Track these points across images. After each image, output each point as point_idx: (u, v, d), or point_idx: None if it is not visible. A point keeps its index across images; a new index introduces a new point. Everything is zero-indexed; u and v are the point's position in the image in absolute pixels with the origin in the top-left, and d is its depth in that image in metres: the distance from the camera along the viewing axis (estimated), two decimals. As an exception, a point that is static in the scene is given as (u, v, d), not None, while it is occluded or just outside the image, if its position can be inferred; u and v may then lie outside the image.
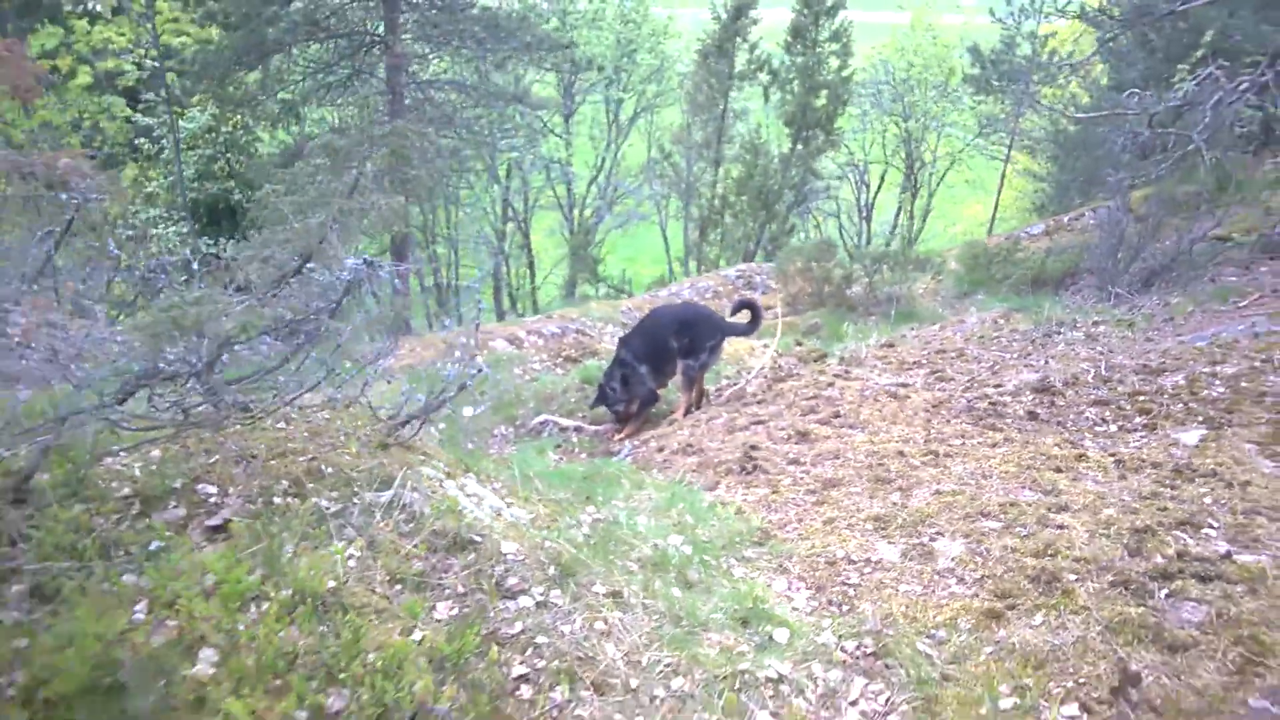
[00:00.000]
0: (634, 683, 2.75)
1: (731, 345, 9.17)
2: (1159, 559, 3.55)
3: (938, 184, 27.22)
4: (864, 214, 28.29)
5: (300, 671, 2.29)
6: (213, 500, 3.06)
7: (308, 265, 2.98)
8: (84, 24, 19.18)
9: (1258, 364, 6.65)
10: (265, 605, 2.48)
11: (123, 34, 19.27)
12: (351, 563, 2.77)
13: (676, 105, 29.32)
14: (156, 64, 15.64)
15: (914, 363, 8.37)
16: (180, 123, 14.84)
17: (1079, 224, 16.65)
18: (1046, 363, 7.73)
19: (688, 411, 7.81)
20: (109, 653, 2.27)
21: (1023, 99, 16.74)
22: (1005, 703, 2.81)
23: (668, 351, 7.69)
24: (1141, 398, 6.30)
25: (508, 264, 28.43)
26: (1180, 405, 6.06)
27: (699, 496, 4.55)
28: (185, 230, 13.74)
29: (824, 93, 19.71)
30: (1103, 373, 7.04)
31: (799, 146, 19.67)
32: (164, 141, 16.26)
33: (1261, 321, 8.25)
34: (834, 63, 19.68)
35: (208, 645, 2.37)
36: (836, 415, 6.41)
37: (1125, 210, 12.52)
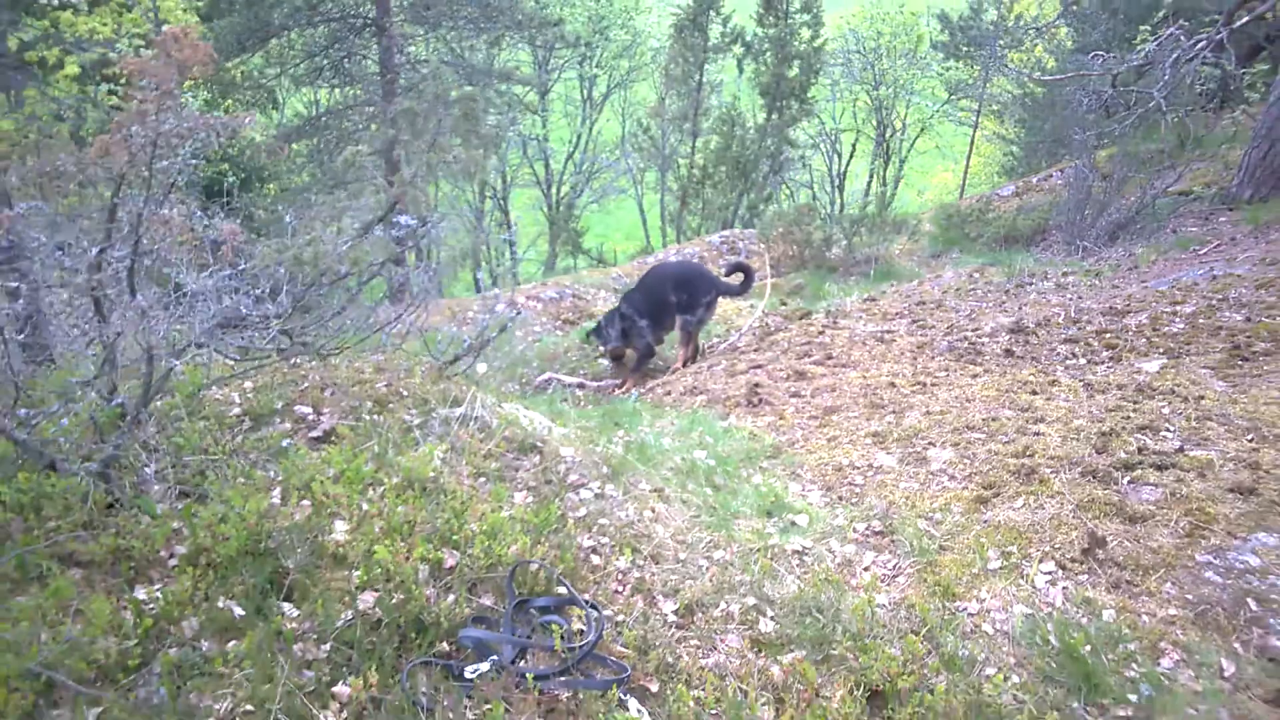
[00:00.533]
0: (682, 555, 3.25)
1: (720, 306, 9.65)
2: (1122, 454, 4.11)
3: (909, 150, 27.83)
4: (837, 183, 28.81)
5: (419, 535, 2.76)
6: (310, 418, 3.50)
7: (394, 214, 3.40)
8: (68, 15, 19.09)
9: (1214, 303, 7.25)
10: (381, 488, 2.94)
11: (105, 24, 19.15)
12: (439, 461, 3.24)
13: (649, 81, 29.60)
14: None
15: (896, 314, 8.91)
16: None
17: (1048, 184, 17.25)
18: (1020, 309, 8.31)
19: (686, 363, 8.30)
20: (260, 525, 2.73)
21: (990, 63, 17.28)
22: (994, 564, 3.35)
23: (667, 306, 8.17)
24: (1108, 335, 6.87)
25: (487, 241, 28.68)
26: (1143, 340, 6.64)
27: (714, 423, 5.04)
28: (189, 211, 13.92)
29: (797, 63, 20.16)
30: (1072, 315, 7.62)
31: (774, 116, 20.13)
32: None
33: (1220, 265, 8.89)
34: (805, 33, 20.11)
35: (339, 518, 2.84)
36: (829, 357, 6.94)
37: (1091, 168, 13.15)
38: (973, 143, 26.63)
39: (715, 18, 20.79)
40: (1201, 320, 6.88)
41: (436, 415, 3.54)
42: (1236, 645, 2.93)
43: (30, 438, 2.76)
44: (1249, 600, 3.09)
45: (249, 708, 2.35)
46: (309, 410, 3.50)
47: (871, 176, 26.23)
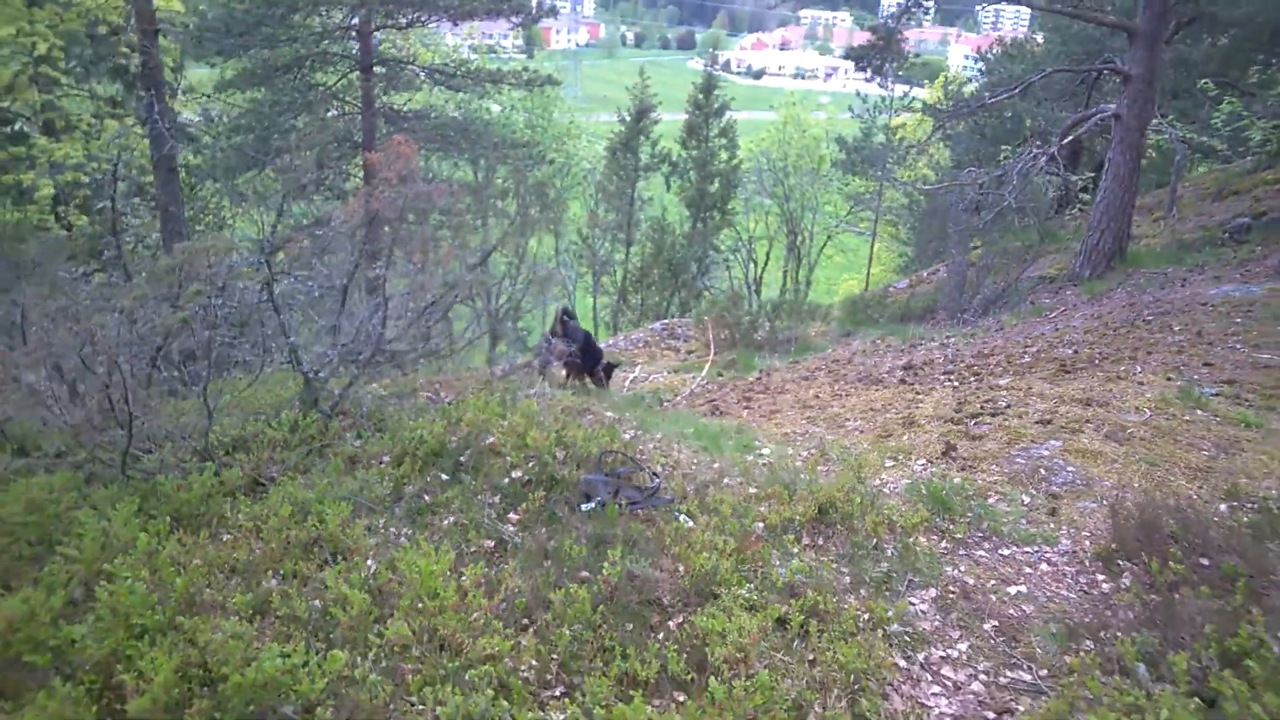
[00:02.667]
0: (691, 467, 5.07)
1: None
2: (970, 412, 6.15)
3: (817, 256, 31.10)
4: (754, 286, 31.76)
5: (542, 444, 4.53)
6: (431, 396, 5.26)
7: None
8: (44, 141, 20.44)
9: (1054, 344, 9.58)
10: (509, 419, 4.72)
11: (76, 150, 20.03)
12: (536, 408, 5.03)
13: (580, 199, 32.43)
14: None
15: (816, 368, 11.05)
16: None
17: (935, 277, 20.14)
18: (911, 357, 10.53)
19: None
20: (440, 438, 4.46)
21: (882, 177, 20.41)
22: (888, 463, 5.28)
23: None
24: (975, 367, 9.06)
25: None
26: (1000, 368, 8.85)
27: (694, 419, 6.92)
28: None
29: (717, 180, 23.08)
30: (949, 358, 9.86)
31: (699, 225, 22.84)
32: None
33: (1061, 322, 11.38)
34: (724, 154, 23.12)
35: (487, 432, 4.59)
36: (766, 390, 8.94)
37: (966, 260, 15.93)
38: (873, 248, 30.04)
39: (645, 141, 23.74)
40: (1043, 355, 9.16)
41: (519, 392, 5.34)
42: (1031, 490, 4.90)
43: (314, 387, 4.48)
44: (1039, 469, 5.08)
45: (464, 521, 4.05)
46: (429, 393, 5.27)
47: (785, 277, 29.20)
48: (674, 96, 27.30)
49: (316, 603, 3.29)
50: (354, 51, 14.34)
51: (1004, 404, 6.34)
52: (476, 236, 5.42)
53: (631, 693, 2.94)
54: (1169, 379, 7.19)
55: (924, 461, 5.27)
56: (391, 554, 3.58)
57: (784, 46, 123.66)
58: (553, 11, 15.50)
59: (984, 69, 24.89)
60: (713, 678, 2.97)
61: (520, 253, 7.30)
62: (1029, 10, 17.27)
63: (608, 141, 24.99)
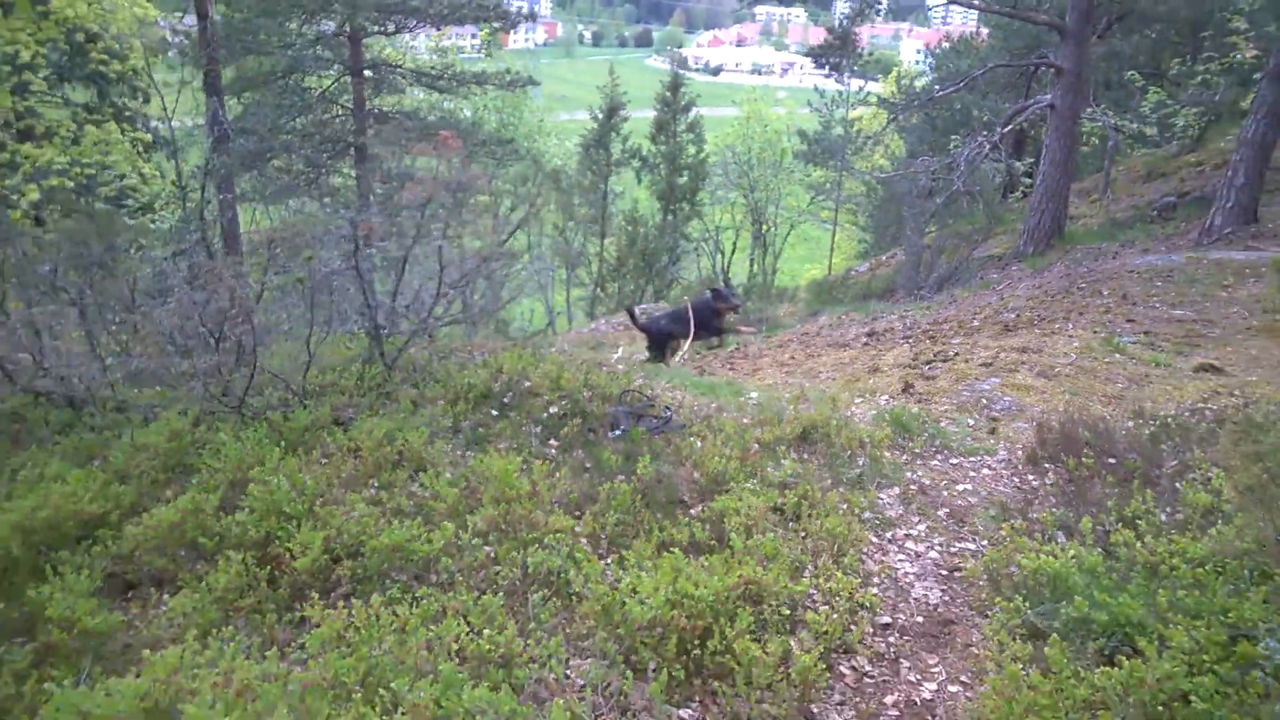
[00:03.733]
0: (694, 407, 6.00)
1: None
2: (925, 359, 7.17)
3: (782, 245, 32.27)
4: (723, 275, 32.82)
5: (573, 385, 5.42)
6: (469, 353, 6.13)
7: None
8: (28, 147, 20.65)
9: (999, 311, 10.66)
10: (542, 367, 5.60)
11: (61, 156, 20.58)
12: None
13: (549, 196, 33.26)
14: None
15: (787, 340, 12.05)
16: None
17: (893, 261, 21.33)
18: (873, 326, 11.59)
19: None
20: (486, 383, 5.34)
21: (841, 167, 21.56)
22: (858, 399, 6.26)
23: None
24: (930, 332, 10.11)
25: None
26: (952, 331, 9.89)
27: (689, 375, 7.86)
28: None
29: (686, 173, 24.08)
30: (908, 326, 10.91)
31: (669, 217, 23.83)
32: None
33: (1007, 293, 12.50)
34: (691, 149, 24.13)
35: (525, 377, 5.48)
36: (744, 358, 9.91)
37: (921, 242, 17.09)
38: (834, 237, 31.28)
39: (616, 137, 24.69)
40: (989, 320, 10.24)
41: (546, 350, 6.24)
42: (975, 415, 5.92)
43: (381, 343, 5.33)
44: (982, 400, 6.10)
45: (515, 445, 4.94)
46: (471, 351, 6.15)
47: (752, 265, 30.30)
48: (634, 94, 28.22)
49: (411, 504, 4.16)
50: (345, 56, 15.08)
51: (953, 354, 7.38)
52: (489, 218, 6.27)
53: (667, 552, 3.85)
54: (1095, 333, 8.30)
55: (887, 397, 6.26)
56: (467, 465, 4.46)
57: (740, 43, 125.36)
58: (532, 16, 16.29)
59: (933, 64, 26.19)
60: (732, 536, 3.90)
61: (541, 230, 8.19)
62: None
63: (579, 138, 25.89)
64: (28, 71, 19.37)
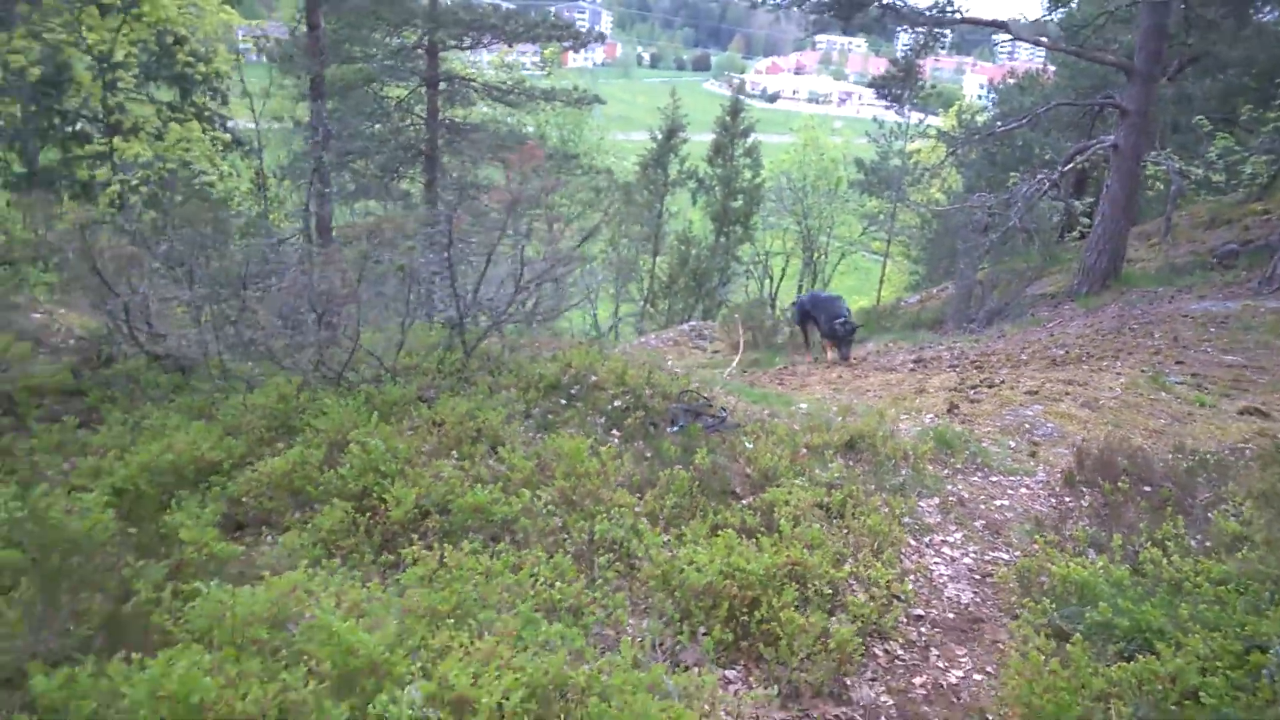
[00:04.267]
0: (747, 411, 6.34)
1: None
2: (971, 385, 7.42)
3: (831, 273, 32.47)
4: (771, 299, 33.08)
5: (637, 382, 5.81)
6: (537, 348, 6.56)
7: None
8: (119, 140, 21.85)
9: (1049, 347, 10.83)
10: (607, 364, 6.01)
11: (145, 150, 21.70)
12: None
13: (620, 210, 33.86)
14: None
15: (834, 361, 12.32)
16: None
17: (944, 295, 21.45)
18: (920, 354, 11.81)
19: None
20: (555, 375, 5.76)
21: (897, 198, 21.79)
22: (903, 416, 6.55)
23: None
24: (978, 362, 10.32)
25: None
26: (1000, 364, 10.10)
27: (740, 386, 8.21)
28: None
29: (740, 197, 24.52)
30: (955, 356, 11.13)
31: (722, 239, 24.26)
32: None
33: (1057, 330, 12.63)
34: (748, 174, 24.58)
35: (592, 372, 5.88)
36: (793, 375, 10.22)
37: (974, 276, 17.23)
38: (885, 268, 31.39)
39: (674, 158, 25.26)
40: (1038, 354, 10.42)
41: (608, 349, 6.64)
42: (1017, 438, 6.17)
43: (461, 332, 5.79)
44: (1024, 424, 6.35)
45: (583, 431, 5.33)
46: (537, 347, 6.58)
47: (800, 292, 30.57)
48: (691, 117, 28.72)
49: (490, 473, 4.58)
50: (422, 69, 15.87)
51: (999, 381, 7.62)
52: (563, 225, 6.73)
53: (720, 532, 4.20)
54: (1143, 371, 8.46)
55: (932, 416, 6.55)
56: (539, 444, 4.87)
57: (799, 71, 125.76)
58: (601, 37, 16.95)
59: (996, 99, 26.25)
60: (781, 523, 4.25)
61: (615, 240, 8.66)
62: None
63: (637, 158, 26.55)
64: (120, 70, 20.57)
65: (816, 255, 30.10)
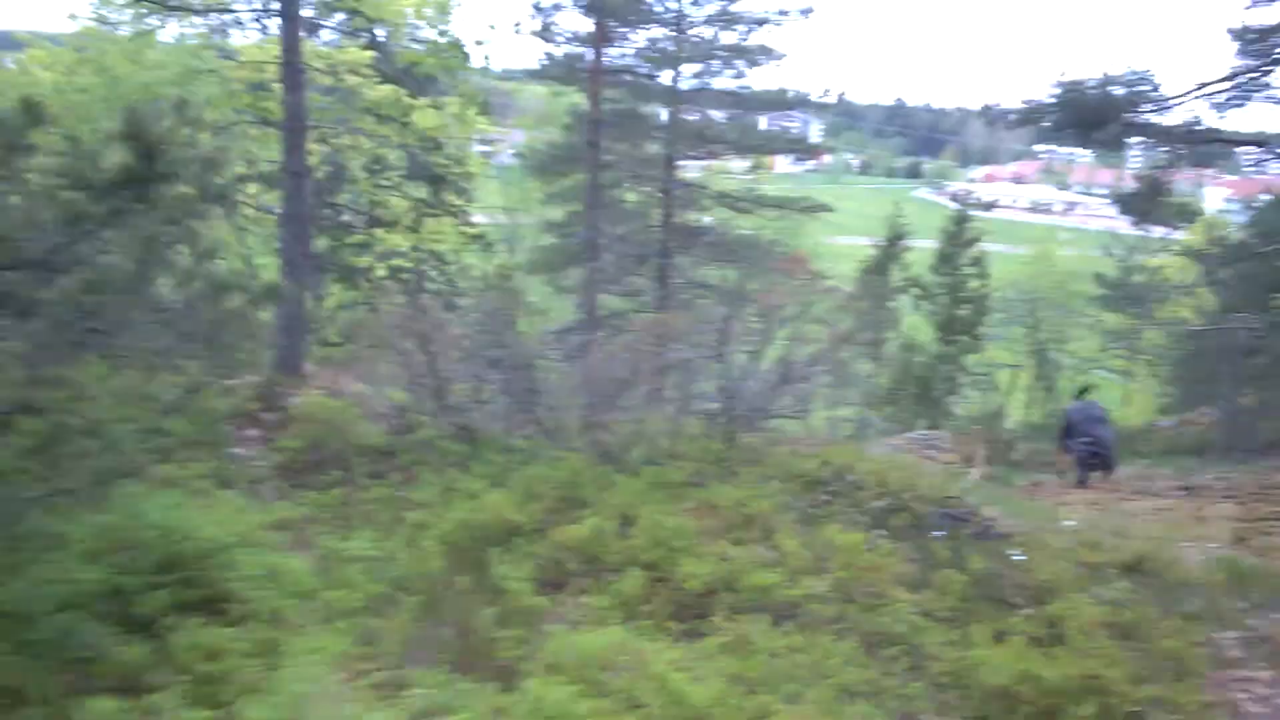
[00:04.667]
0: (1012, 524, 6.17)
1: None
2: (1258, 516, 6.79)
3: (1065, 390, 30.36)
4: (1003, 415, 31.36)
5: (899, 484, 5.88)
6: (793, 444, 6.79)
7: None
8: (382, 232, 24.55)
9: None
10: (866, 464, 6.12)
11: (401, 240, 24.11)
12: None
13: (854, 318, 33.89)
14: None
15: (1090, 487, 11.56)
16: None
17: (1203, 420, 19.55)
18: (1186, 481, 10.85)
19: None
20: (816, 471, 5.94)
21: (1144, 314, 20.31)
22: (1186, 544, 6.11)
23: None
24: (1259, 495, 9.37)
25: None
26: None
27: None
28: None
29: (967, 305, 23.84)
30: (1229, 486, 10.15)
31: (949, 347, 23.60)
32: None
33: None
34: (975, 282, 23.95)
35: (850, 470, 6.01)
36: (1043, 492, 9.73)
37: (1239, 402, 15.66)
38: (1128, 389, 29.04)
39: (896, 265, 25.21)
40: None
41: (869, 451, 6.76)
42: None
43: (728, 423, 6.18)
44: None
45: (847, 529, 5.45)
46: (794, 442, 6.81)
47: (1031, 407, 28.82)
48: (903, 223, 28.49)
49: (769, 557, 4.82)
50: (659, 176, 17.20)
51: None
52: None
53: (1006, 638, 4.15)
54: None
55: (1217, 545, 6.06)
56: (808, 534, 5.07)
57: (1018, 180, 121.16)
58: (831, 149, 17.53)
59: (1252, 215, 24.10)
60: (1073, 634, 4.14)
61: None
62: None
63: (854, 263, 26.67)
64: (390, 172, 23.66)
65: (1049, 370, 28.46)
